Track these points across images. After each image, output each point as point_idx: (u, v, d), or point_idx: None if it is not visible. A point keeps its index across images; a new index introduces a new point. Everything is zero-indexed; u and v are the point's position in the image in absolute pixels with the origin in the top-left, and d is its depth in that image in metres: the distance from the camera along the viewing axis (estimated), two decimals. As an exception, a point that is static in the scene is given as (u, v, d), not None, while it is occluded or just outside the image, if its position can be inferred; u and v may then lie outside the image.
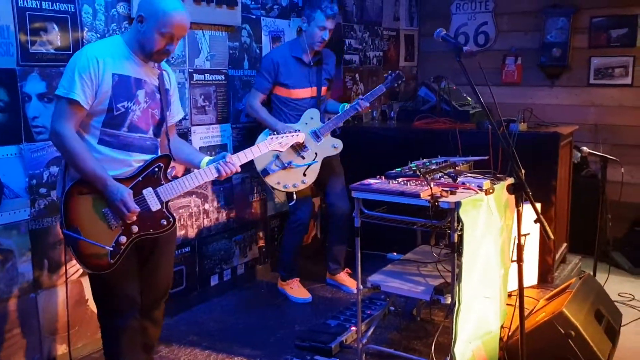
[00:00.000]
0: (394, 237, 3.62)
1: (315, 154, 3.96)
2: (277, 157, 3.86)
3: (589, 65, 5.28)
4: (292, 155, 3.90)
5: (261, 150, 2.81)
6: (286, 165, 3.89)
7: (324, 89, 4.06)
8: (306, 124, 3.95)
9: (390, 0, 5.65)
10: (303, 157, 3.93)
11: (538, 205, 3.99)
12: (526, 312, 3.56)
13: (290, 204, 4.05)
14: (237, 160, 2.70)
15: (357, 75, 5.23)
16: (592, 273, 4.29)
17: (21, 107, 2.90)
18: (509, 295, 3.98)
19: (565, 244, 4.67)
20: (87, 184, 2.43)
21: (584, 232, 4.63)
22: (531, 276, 4.16)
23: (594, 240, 4.26)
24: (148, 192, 2.54)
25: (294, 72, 3.91)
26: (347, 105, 4.01)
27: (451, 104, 4.96)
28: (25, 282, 2.99)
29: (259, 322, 3.76)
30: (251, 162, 3.69)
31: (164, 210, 2.59)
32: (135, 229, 2.53)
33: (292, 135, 2.88)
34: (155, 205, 2.55)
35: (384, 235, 3.55)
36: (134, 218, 2.49)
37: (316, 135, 3.95)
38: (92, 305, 2.85)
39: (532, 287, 4.15)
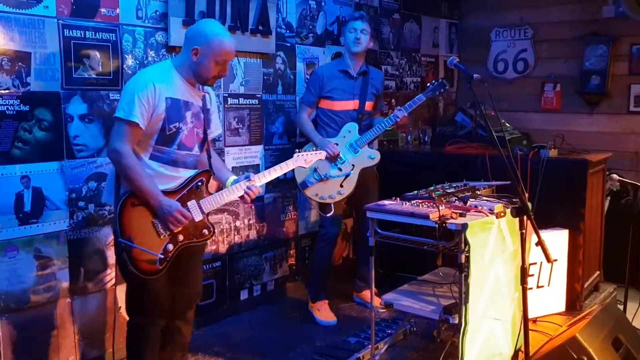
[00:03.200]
0: (428, 260, 3.66)
1: (353, 165, 4.08)
2: (315, 169, 4.01)
3: (629, 92, 5.23)
4: (329, 167, 4.05)
5: (282, 170, 2.98)
6: (323, 177, 4.04)
7: (369, 103, 4.17)
8: (344, 137, 4.09)
9: (429, 27, 5.78)
10: (340, 169, 4.06)
11: (563, 232, 4.06)
12: (548, 338, 3.58)
13: (328, 215, 4.12)
14: (259, 180, 2.90)
15: (393, 100, 5.35)
16: (622, 302, 4.24)
17: (64, 127, 3.17)
18: (534, 321, 3.99)
19: (598, 272, 4.61)
20: (138, 197, 2.66)
21: (621, 261, 4.55)
22: (559, 303, 4.13)
23: (630, 269, 4.20)
24: (192, 204, 2.77)
25: (338, 84, 4.09)
26: None
27: (487, 129, 4.99)
28: (62, 288, 3.23)
29: (283, 336, 3.89)
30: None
31: (206, 220, 2.82)
32: (180, 237, 2.76)
33: (315, 153, 3.05)
34: (198, 216, 2.78)
35: (415, 257, 3.61)
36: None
37: (353, 148, 4.07)
38: (125, 313, 3.06)
39: (559, 313, 4.12)
